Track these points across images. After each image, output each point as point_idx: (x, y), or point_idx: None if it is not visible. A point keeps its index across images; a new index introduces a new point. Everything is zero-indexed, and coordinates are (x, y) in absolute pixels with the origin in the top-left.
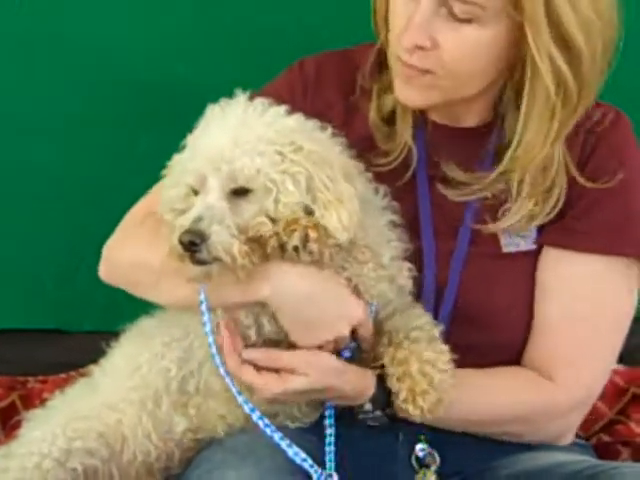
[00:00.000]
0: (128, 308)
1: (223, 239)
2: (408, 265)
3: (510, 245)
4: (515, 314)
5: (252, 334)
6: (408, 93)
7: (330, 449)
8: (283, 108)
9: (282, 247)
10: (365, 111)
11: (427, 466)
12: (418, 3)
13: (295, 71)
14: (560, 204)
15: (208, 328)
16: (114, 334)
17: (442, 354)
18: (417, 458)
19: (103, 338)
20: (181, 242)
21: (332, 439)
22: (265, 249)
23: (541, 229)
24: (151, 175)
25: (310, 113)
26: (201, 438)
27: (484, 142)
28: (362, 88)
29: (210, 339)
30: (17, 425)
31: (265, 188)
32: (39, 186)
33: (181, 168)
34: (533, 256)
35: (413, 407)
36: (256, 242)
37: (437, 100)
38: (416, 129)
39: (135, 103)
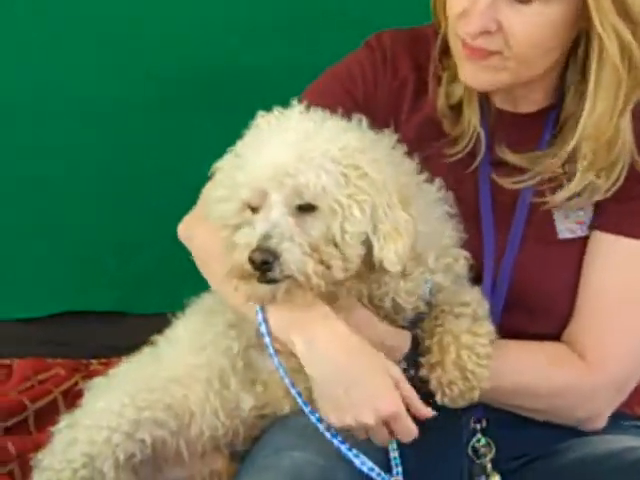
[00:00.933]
0: (191, 289)
1: (297, 257)
2: (465, 254)
3: (566, 231)
4: (568, 300)
5: None
6: (474, 75)
7: (395, 454)
8: (340, 120)
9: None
10: (433, 95)
11: (484, 455)
12: None
13: (373, 44)
14: (621, 180)
15: (271, 351)
16: (175, 316)
17: (481, 337)
18: (474, 449)
19: (165, 320)
20: (252, 261)
21: (395, 445)
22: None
23: (595, 216)
24: (207, 158)
25: (387, 90)
26: (266, 415)
27: (544, 126)
28: (432, 71)
29: (276, 362)
30: (80, 395)
31: (330, 209)
32: (98, 168)
33: (232, 180)
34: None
35: (441, 396)
36: (326, 266)
37: (503, 81)
38: (481, 115)
39: (190, 88)
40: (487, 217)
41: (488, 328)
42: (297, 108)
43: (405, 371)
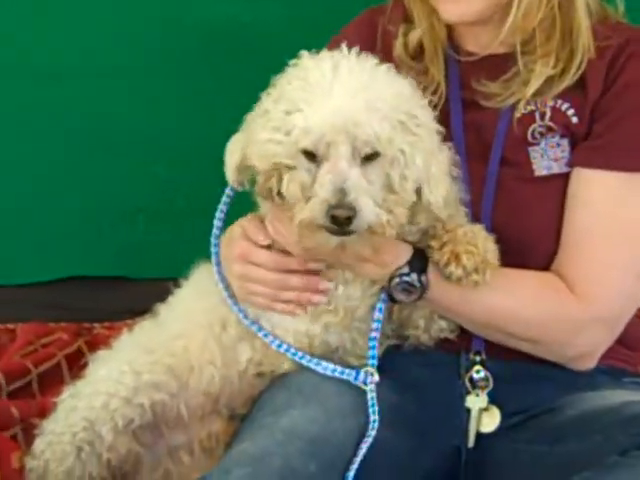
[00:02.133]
0: (192, 254)
1: (373, 211)
2: (465, 210)
3: (542, 169)
4: (549, 239)
5: None
6: (454, 7)
7: (373, 344)
8: (391, 68)
9: None
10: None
11: (481, 388)
12: None
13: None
14: (583, 67)
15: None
16: (179, 280)
17: (483, 230)
18: (472, 381)
19: (168, 285)
20: (334, 217)
21: (377, 334)
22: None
23: (573, 151)
24: (211, 119)
25: None
26: (264, 373)
27: (512, 64)
28: (386, 33)
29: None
30: (84, 367)
31: (393, 157)
32: (101, 134)
33: (284, 124)
34: (566, 179)
35: (456, 265)
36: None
37: (479, 8)
38: (448, 59)
39: (191, 46)
40: (460, 155)
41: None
42: (345, 51)
43: (407, 275)
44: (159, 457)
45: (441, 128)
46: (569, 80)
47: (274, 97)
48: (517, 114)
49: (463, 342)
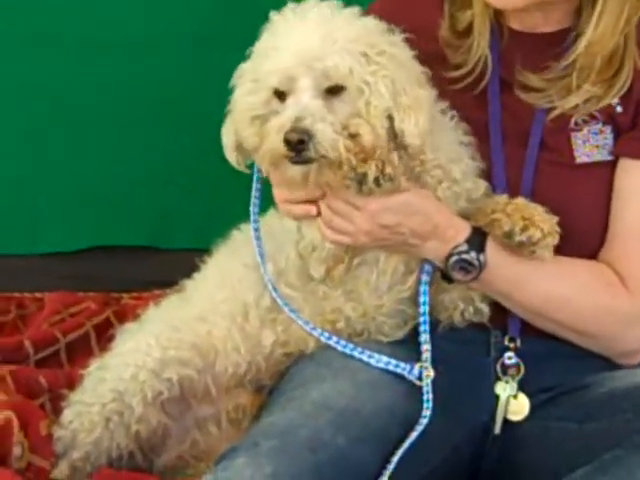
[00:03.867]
0: (221, 224)
1: (329, 136)
2: (485, 183)
3: (583, 156)
4: (591, 227)
5: None
6: None
7: (426, 337)
8: (356, 9)
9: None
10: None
11: (512, 376)
12: None
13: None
14: (626, 87)
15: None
16: (206, 251)
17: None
18: (503, 366)
19: (196, 255)
20: (288, 141)
21: (427, 327)
22: (363, 149)
23: (617, 139)
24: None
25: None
26: (291, 352)
27: (560, 47)
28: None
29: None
30: (111, 338)
31: (357, 88)
32: (126, 103)
33: (256, 74)
34: (609, 167)
35: (534, 229)
36: (354, 139)
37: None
38: (491, 38)
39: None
40: (495, 137)
41: None
42: (312, 1)
43: (467, 253)
44: (187, 428)
45: (424, 69)
46: (608, 100)
47: (248, 55)
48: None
49: (496, 321)
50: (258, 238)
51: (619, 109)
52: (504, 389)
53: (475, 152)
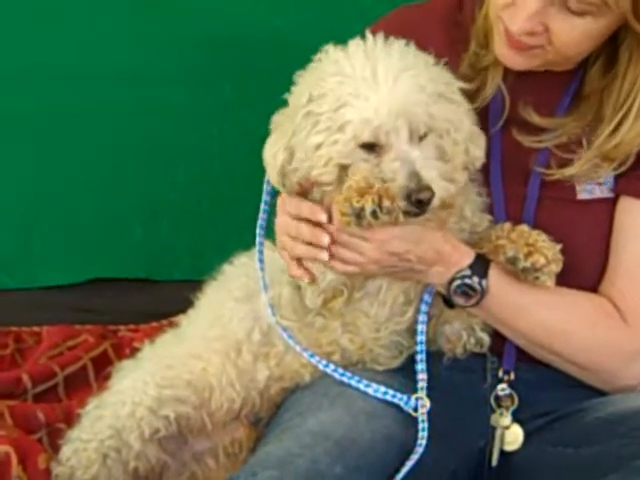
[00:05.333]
0: (216, 256)
1: (444, 186)
2: (489, 217)
3: (585, 192)
4: (590, 262)
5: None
6: (512, 58)
7: (422, 367)
8: (412, 46)
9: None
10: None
11: (506, 407)
12: None
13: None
14: (632, 158)
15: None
16: (202, 282)
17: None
18: (497, 397)
19: (193, 287)
20: (417, 200)
21: (423, 356)
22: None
23: (618, 177)
24: (232, 124)
25: None
26: (287, 387)
27: (567, 88)
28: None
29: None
30: (109, 376)
31: (443, 129)
32: (125, 134)
33: (335, 122)
34: (610, 204)
35: (538, 255)
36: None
37: (539, 64)
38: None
39: (218, 53)
40: (495, 175)
41: None
42: (371, 40)
43: (469, 278)
44: (184, 463)
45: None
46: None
47: (310, 96)
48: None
49: (493, 348)
50: (261, 261)
51: None
52: (497, 421)
53: (481, 188)
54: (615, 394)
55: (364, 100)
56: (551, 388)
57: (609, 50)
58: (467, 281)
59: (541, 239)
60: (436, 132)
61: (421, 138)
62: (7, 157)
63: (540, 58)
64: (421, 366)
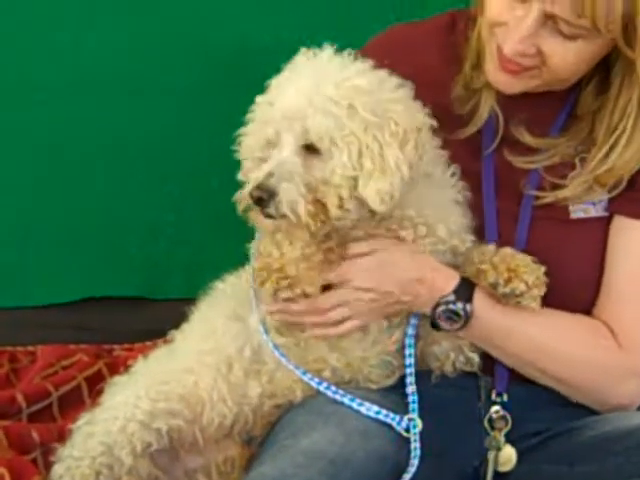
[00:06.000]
0: (210, 274)
1: (291, 197)
2: (471, 237)
3: (579, 211)
4: (584, 281)
5: None
6: (504, 80)
7: (413, 389)
8: (368, 63)
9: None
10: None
11: (499, 429)
12: (525, 11)
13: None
14: (625, 182)
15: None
16: (196, 300)
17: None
18: (490, 420)
19: (186, 304)
20: (251, 196)
21: (413, 379)
22: (328, 215)
23: (612, 197)
24: (226, 141)
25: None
26: (280, 404)
27: (559, 107)
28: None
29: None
30: (102, 391)
31: (329, 151)
32: (118, 153)
33: (262, 115)
34: (604, 223)
35: (518, 281)
36: (321, 205)
37: (532, 87)
38: (496, 93)
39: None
40: (489, 194)
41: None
42: (329, 50)
43: (453, 303)
44: (177, 479)
45: (425, 125)
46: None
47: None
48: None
49: (485, 369)
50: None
51: None
52: (491, 444)
53: (467, 209)
54: (609, 413)
55: (276, 101)
56: (545, 407)
57: (602, 72)
58: (451, 307)
59: (524, 263)
60: (325, 153)
61: (313, 150)
62: (3, 174)
63: (536, 79)
64: (411, 388)
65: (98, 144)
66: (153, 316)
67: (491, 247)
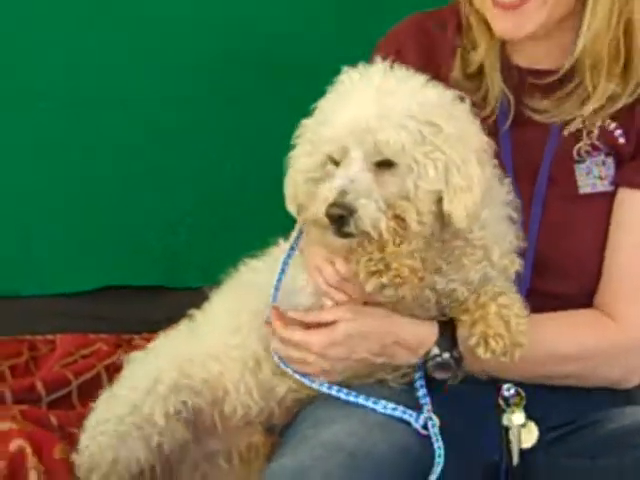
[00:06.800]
0: (229, 263)
1: (371, 214)
2: (519, 261)
3: (587, 186)
4: (594, 259)
5: None
6: (510, 24)
7: (424, 391)
8: (424, 77)
9: None
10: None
11: (515, 405)
12: None
13: (382, 46)
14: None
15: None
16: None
17: (517, 301)
18: (504, 399)
19: (206, 292)
20: (329, 215)
21: (423, 382)
22: (407, 230)
23: (617, 169)
24: (245, 137)
25: None
26: (302, 398)
27: (568, 81)
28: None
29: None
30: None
31: (407, 166)
32: (140, 145)
33: (315, 135)
34: (611, 198)
35: (484, 350)
36: (401, 220)
37: (539, 24)
38: (503, 76)
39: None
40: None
41: (518, 296)
42: (381, 65)
43: (439, 356)
44: (196, 462)
45: (488, 143)
46: (626, 99)
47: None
48: (566, 132)
49: None
50: (277, 289)
51: (622, 140)
52: (511, 420)
53: (519, 230)
54: (627, 406)
55: (335, 117)
56: (559, 400)
57: None
58: (438, 360)
59: (502, 326)
60: (401, 167)
61: (384, 166)
62: (25, 164)
63: (541, 9)
64: (422, 391)
65: (122, 136)
66: (172, 305)
67: (482, 297)
